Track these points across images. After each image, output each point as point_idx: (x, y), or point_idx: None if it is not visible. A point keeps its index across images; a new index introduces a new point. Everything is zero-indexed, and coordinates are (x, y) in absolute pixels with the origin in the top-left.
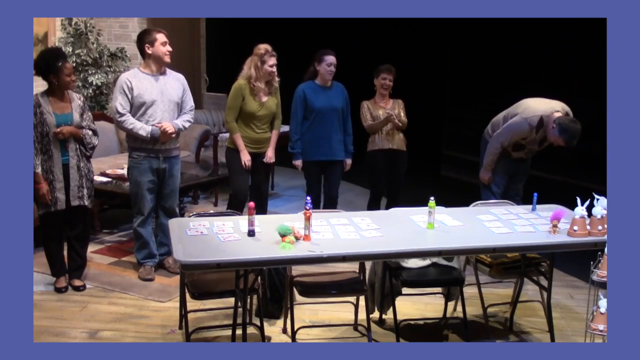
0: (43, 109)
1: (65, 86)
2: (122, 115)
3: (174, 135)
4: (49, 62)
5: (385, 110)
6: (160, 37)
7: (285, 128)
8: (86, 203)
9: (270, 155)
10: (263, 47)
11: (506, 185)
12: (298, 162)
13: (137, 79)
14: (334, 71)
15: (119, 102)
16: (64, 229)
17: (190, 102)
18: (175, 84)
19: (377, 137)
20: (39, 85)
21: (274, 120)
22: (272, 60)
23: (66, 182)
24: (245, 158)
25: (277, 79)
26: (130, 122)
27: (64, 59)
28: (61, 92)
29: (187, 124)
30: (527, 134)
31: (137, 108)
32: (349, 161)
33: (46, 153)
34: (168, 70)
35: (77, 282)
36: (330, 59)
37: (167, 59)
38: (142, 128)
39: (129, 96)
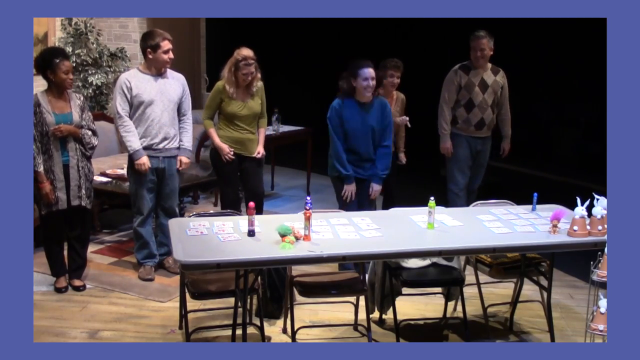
0: (42, 108)
1: (62, 84)
2: (120, 117)
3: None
4: (46, 59)
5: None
6: (164, 45)
7: (286, 128)
8: (84, 203)
9: (259, 150)
10: (242, 54)
11: (467, 179)
12: (352, 187)
13: (136, 79)
14: (372, 85)
15: (119, 103)
16: (64, 229)
17: (187, 104)
18: (175, 84)
19: None
20: (39, 85)
21: (259, 120)
22: (247, 70)
23: (67, 182)
24: (224, 152)
25: (258, 83)
26: (127, 128)
27: (62, 57)
28: (59, 90)
29: (191, 136)
30: (457, 79)
31: (136, 107)
32: (377, 187)
33: (46, 152)
34: (168, 71)
35: (77, 282)
36: (366, 72)
37: (168, 65)
38: (132, 141)
39: (128, 96)
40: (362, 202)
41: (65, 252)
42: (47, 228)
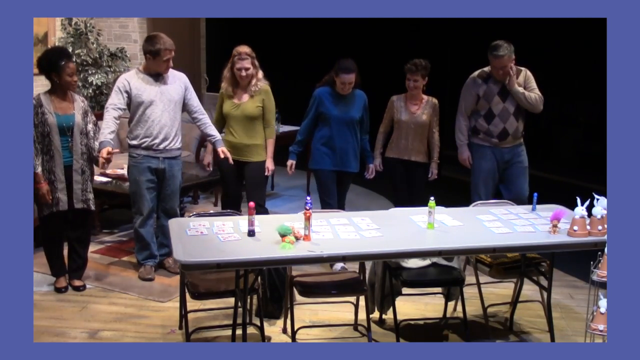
0: (45, 109)
1: (67, 86)
2: (107, 110)
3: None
4: (51, 60)
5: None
6: (165, 55)
7: (286, 128)
8: (92, 207)
9: (270, 167)
10: (236, 50)
11: (493, 191)
12: (290, 162)
13: (135, 80)
14: (349, 88)
15: (111, 98)
16: (66, 230)
17: (196, 100)
18: (176, 83)
19: (397, 143)
20: (39, 85)
21: (265, 129)
22: (240, 64)
23: (68, 183)
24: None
25: (259, 84)
26: (106, 121)
27: (67, 59)
28: (63, 92)
29: (213, 125)
30: (475, 88)
31: (136, 108)
32: (371, 166)
33: (47, 153)
34: (169, 70)
35: (77, 282)
36: (345, 78)
37: (166, 72)
38: (103, 133)
39: (124, 96)
40: (339, 195)
41: (66, 252)
42: (47, 229)
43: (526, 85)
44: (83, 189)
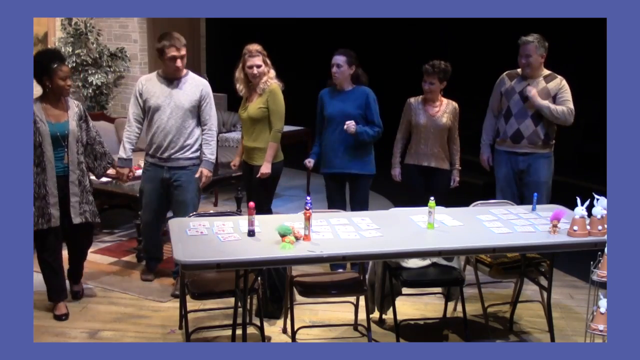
0: (37, 117)
1: (60, 91)
2: (128, 120)
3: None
4: (42, 64)
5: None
6: (168, 52)
7: (286, 128)
8: (90, 219)
9: (262, 171)
10: (247, 48)
11: (515, 198)
12: (309, 160)
13: (149, 83)
14: (340, 72)
15: (130, 106)
16: (61, 247)
17: (208, 112)
18: (191, 89)
19: (415, 149)
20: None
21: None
22: (251, 61)
23: (62, 196)
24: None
25: (267, 82)
26: (127, 134)
27: (60, 61)
28: (56, 97)
29: (214, 148)
30: (500, 85)
31: (146, 112)
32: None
33: (39, 165)
34: (190, 75)
35: (76, 287)
36: (333, 60)
37: (177, 73)
38: (124, 149)
39: (140, 101)
40: (354, 201)
41: (65, 254)
42: (42, 247)
43: (558, 94)
44: (81, 201)
